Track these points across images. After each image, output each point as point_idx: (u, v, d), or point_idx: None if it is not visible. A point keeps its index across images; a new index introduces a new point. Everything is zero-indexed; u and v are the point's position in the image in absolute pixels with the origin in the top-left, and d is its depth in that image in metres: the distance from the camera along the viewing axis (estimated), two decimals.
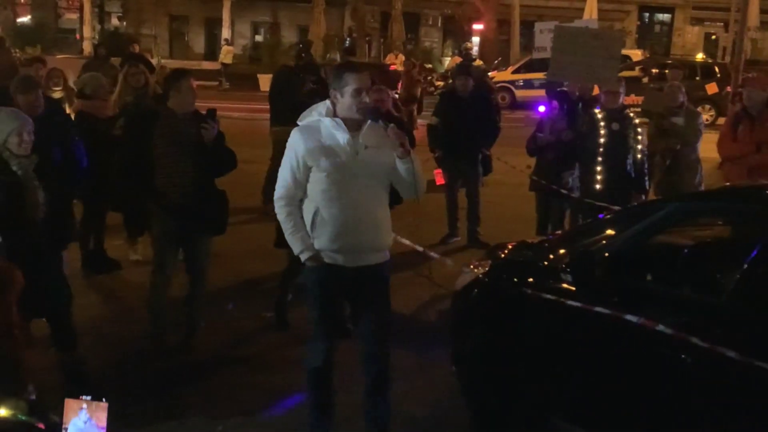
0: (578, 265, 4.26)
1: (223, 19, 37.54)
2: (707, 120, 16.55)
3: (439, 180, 8.94)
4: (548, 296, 4.34)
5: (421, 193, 4.29)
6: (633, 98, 14.04)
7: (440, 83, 26.70)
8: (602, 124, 7.20)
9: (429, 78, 28.25)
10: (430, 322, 6.70)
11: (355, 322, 4.43)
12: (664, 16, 41.91)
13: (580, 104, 7.98)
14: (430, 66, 32.04)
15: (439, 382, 5.38)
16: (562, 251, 4.62)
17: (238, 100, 22.31)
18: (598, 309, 4.03)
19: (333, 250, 4.19)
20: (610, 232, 4.68)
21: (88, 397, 2.92)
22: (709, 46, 38.18)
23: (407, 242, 6.48)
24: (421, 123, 13.05)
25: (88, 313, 6.27)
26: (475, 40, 35.02)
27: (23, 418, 3.34)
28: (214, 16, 38.46)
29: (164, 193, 5.54)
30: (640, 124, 7.28)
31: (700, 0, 38.99)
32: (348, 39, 37.07)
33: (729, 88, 19.20)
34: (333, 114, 4.17)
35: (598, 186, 7.20)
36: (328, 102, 4.23)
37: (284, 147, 4.29)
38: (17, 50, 23.56)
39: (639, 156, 7.19)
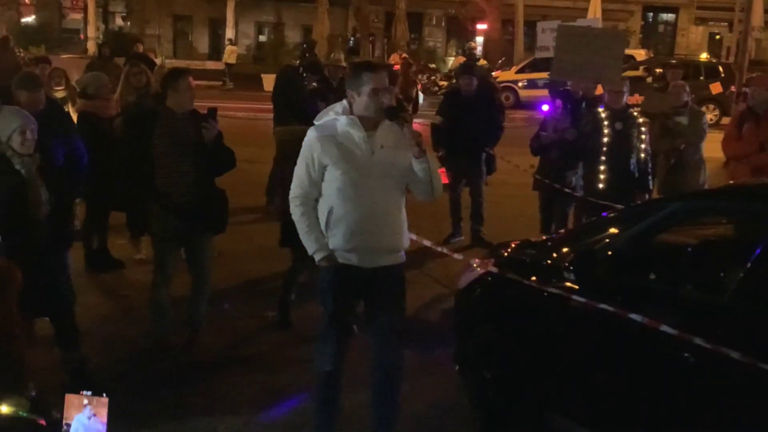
0: (581, 264, 4.25)
1: (227, 19, 37.62)
2: (711, 120, 16.59)
3: (443, 179, 8.91)
4: (551, 295, 4.33)
5: (438, 194, 4.27)
6: (636, 98, 14.00)
7: (444, 83, 26.71)
8: (605, 123, 7.19)
9: (432, 78, 28.28)
10: (434, 321, 6.68)
11: (367, 320, 4.40)
12: (668, 16, 41.89)
13: (584, 104, 7.96)
14: (433, 66, 32.06)
15: (443, 381, 5.37)
16: (565, 250, 4.61)
17: (242, 100, 22.28)
18: (601, 307, 4.02)
19: (347, 250, 4.16)
20: (613, 231, 4.66)
21: (89, 393, 2.92)
22: (714, 46, 38.21)
23: (414, 237, 6.45)
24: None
25: (91, 313, 6.27)
26: (479, 39, 34.97)
27: (25, 415, 3.35)
28: (218, 16, 38.54)
29: (164, 193, 5.51)
30: (644, 124, 7.27)
31: (704, 0, 38.94)
32: (352, 39, 37.12)
33: (733, 88, 19.19)
34: (350, 113, 4.15)
35: (601, 185, 7.18)
36: (344, 101, 4.21)
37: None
38: (21, 50, 23.62)
39: (642, 155, 7.19)
